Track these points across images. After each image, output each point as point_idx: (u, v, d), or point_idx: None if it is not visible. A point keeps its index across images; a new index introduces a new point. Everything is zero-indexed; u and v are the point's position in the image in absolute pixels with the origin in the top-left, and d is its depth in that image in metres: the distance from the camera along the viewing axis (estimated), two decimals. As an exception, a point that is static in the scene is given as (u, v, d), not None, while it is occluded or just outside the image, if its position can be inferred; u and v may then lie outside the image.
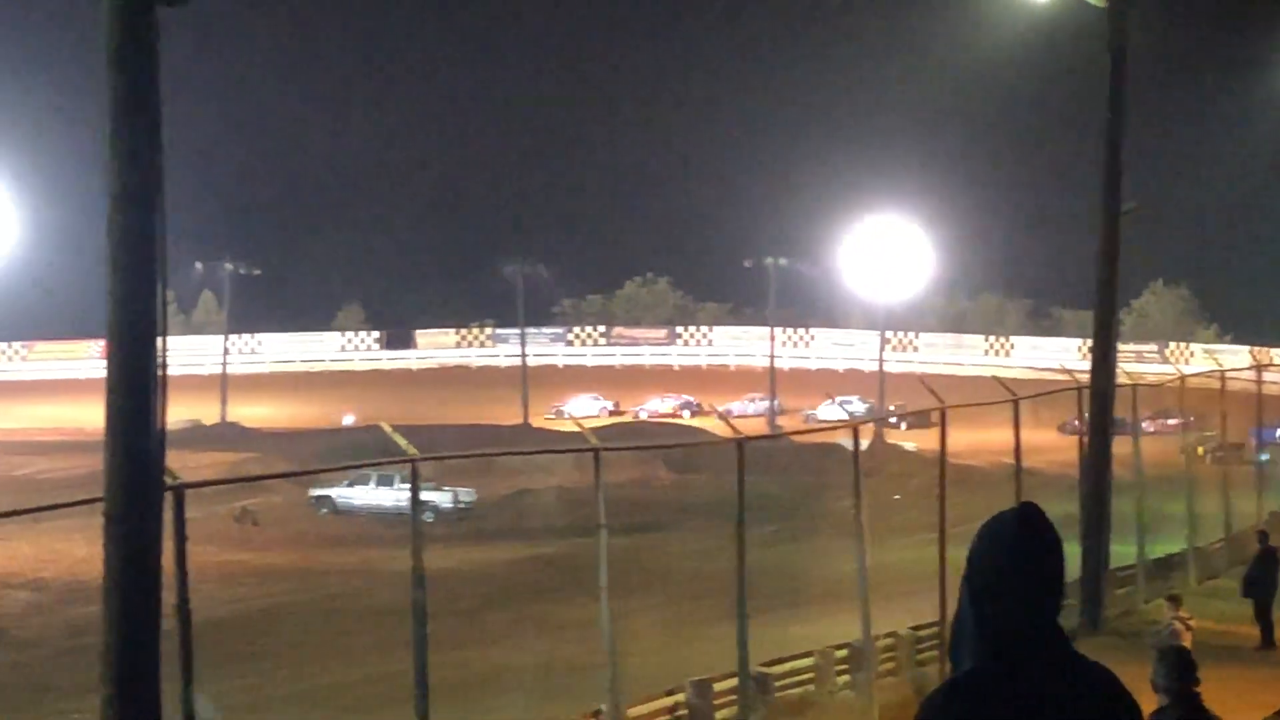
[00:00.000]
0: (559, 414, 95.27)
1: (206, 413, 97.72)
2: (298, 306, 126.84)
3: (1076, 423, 37.17)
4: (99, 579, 7.99)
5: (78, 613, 39.14)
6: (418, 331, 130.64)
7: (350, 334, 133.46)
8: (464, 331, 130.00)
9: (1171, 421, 55.31)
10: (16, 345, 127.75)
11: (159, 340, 7.30)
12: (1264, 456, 50.85)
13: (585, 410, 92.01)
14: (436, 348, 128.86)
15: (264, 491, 63.14)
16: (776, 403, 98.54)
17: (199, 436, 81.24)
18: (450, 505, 59.98)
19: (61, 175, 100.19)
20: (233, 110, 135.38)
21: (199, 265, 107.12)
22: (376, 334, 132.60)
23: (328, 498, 65.08)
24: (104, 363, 8.63)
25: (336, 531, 61.19)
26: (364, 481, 64.41)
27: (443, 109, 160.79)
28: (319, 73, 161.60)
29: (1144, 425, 40.15)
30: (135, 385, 7.40)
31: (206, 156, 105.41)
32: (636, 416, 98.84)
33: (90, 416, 76.69)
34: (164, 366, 7.31)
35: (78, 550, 49.97)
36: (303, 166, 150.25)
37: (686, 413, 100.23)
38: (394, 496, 61.16)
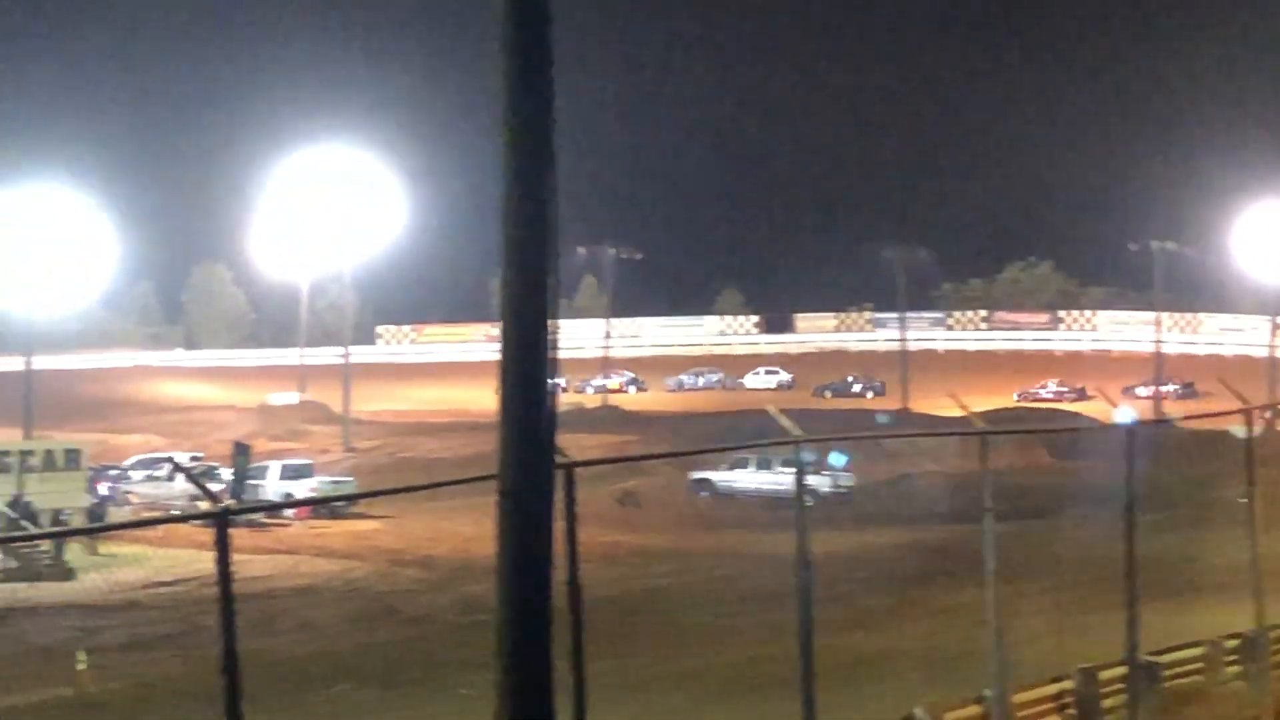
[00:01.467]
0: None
1: (588, 396, 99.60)
2: (677, 291, 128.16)
3: None
4: (485, 558, 8.14)
5: (467, 590, 40.23)
6: (797, 315, 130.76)
7: (729, 318, 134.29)
8: (843, 315, 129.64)
9: None
10: (406, 328, 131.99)
11: (550, 321, 7.37)
12: None
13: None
14: (815, 331, 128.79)
15: (645, 474, 64.01)
16: (1169, 387, 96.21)
17: (581, 419, 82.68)
18: (830, 489, 59.87)
19: (450, 158, 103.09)
20: (615, 94, 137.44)
21: (581, 250, 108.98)
22: (755, 318, 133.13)
23: (708, 481, 65.67)
24: (491, 346, 8.80)
25: (716, 514, 61.72)
26: (744, 465, 64.79)
27: (823, 93, 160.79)
28: (701, 57, 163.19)
29: None
30: (527, 365, 7.48)
31: (589, 141, 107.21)
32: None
33: (475, 398, 79.23)
34: (555, 346, 7.39)
35: (465, 529, 51.43)
36: (684, 151, 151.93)
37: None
38: (773, 480, 61.36)
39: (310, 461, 68.30)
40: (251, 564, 44.53)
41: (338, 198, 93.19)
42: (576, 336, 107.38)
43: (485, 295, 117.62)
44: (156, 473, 64.75)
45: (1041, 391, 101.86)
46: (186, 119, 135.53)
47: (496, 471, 7.61)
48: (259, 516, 57.02)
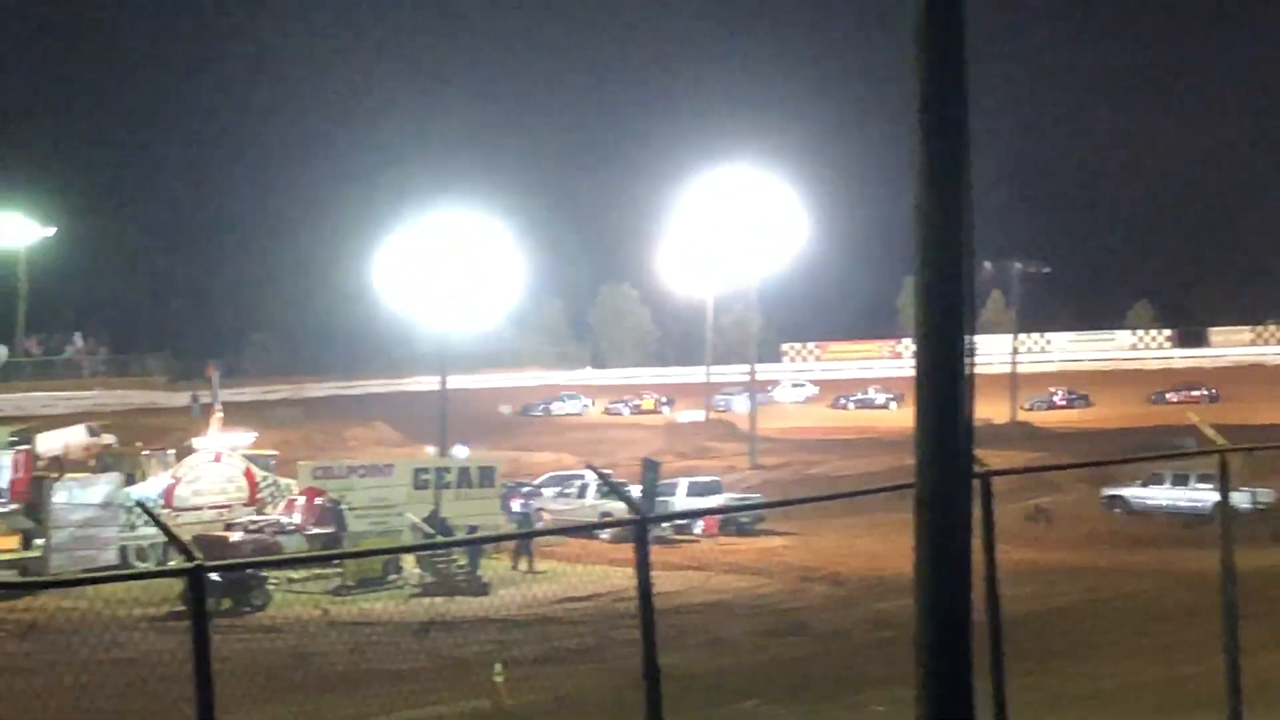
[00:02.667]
0: None
1: (995, 411, 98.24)
2: (1086, 305, 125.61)
3: None
4: (896, 574, 8.04)
5: (877, 607, 39.97)
6: (1211, 329, 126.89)
7: (1140, 332, 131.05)
8: (1259, 329, 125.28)
9: None
10: (810, 345, 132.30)
11: (966, 326, 7.23)
12: None
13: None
14: (1230, 345, 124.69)
15: (1058, 490, 62.79)
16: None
17: (989, 435, 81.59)
18: (1249, 506, 57.75)
19: (852, 176, 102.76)
20: (1018, 105, 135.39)
21: (988, 264, 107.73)
22: (1168, 331, 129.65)
23: (1120, 497, 64.08)
24: (894, 363, 8.67)
25: (1130, 530, 60.15)
26: (1159, 480, 63.01)
27: (1241, 100, 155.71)
28: (1106, 66, 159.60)
29: None
30: (944, 375, 7.34)
31: (994, 152, 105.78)
32: None
33: (880, 416, 78.82)
34: (972, 356, 7.24)
35: (874, 546, 51.18)
36: (1092, 162, 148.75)
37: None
38: (1189, 496, 59.54)
39: (717, 478, 68.90)
40: (662, 579, 44.94)
41: (742, 216, 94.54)
42: (984, 351, 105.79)
43: (889, 312, 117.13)
44: (567, 490, 66.16)
45: None
46: (594, 142, 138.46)
47: (914, 481, 7.52)
48: (668, 532, 57.79)
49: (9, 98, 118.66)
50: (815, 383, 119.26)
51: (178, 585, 45.38)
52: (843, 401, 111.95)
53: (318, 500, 57.85)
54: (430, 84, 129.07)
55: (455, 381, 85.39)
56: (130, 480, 58.77)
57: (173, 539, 8.99)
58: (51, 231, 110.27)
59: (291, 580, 50.87)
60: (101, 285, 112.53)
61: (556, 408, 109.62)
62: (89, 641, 41.12)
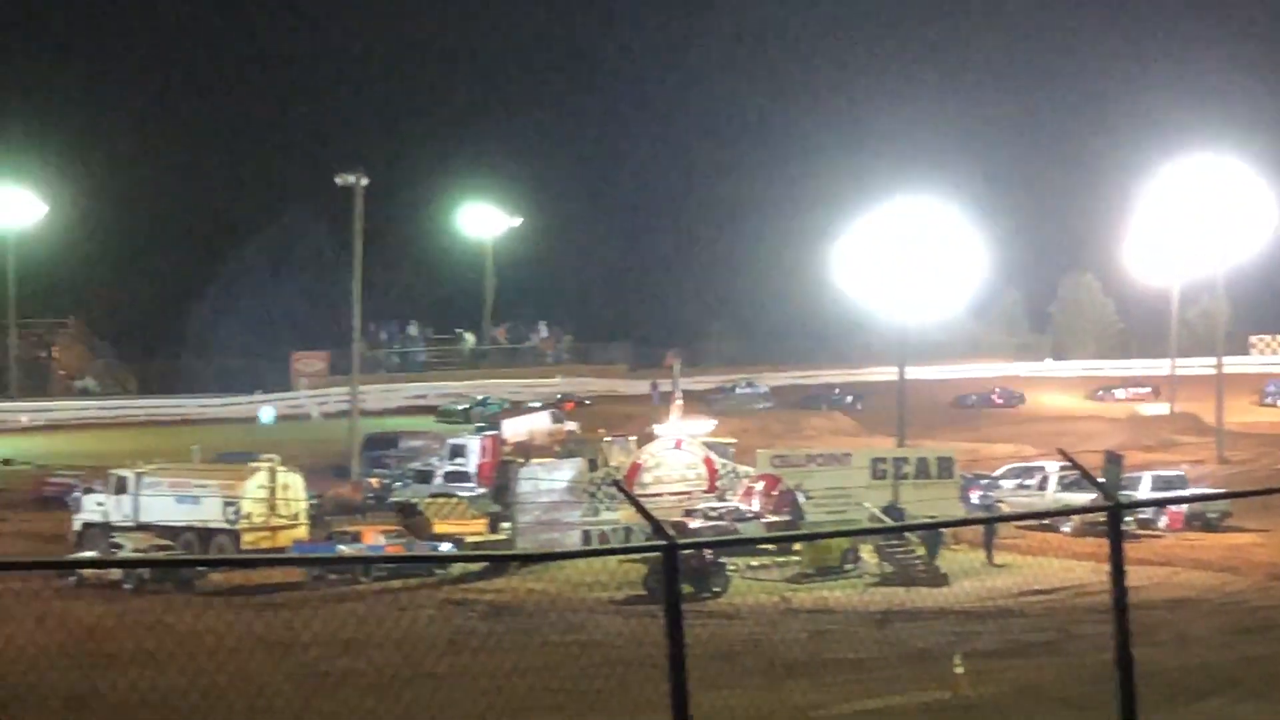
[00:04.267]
0: None
1: None
2: None
3: None
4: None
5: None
6: None
7: None
8: None
9: None
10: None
11: None
12: None
13: None
14: None
15: None
16: None
17: None
18: None
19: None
20: None
21: None
22: None
23: None
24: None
25: None
26: None
27: None
28: None
29: None
30: None
31: None
32: None
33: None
34: None
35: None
36: None
37: None
38: None
39: (1182, 473, 66.82)
40: (1125, 574, 43.94)
41: (1208, 205, 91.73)
42: None
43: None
44: (1027, 481, 65.12)
45: None
46: (1051, 132, 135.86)
47: None
48: (1131, 527, 56.33)
49: (482, 96, 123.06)
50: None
51: (637, 571, 46.37)
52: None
53: (776, 488, 58.30)
54: (888, 71, 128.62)
55: (913, 372, 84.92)
56: (593, 466, 60.25)
57: (647, 517, 9.11)
58: (518, 222, 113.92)
59: (750, 567, 51.40)
60: (566, 275, 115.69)
61: (1007, 399, 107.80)
62: (553, 623, 42.36)
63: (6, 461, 58.45)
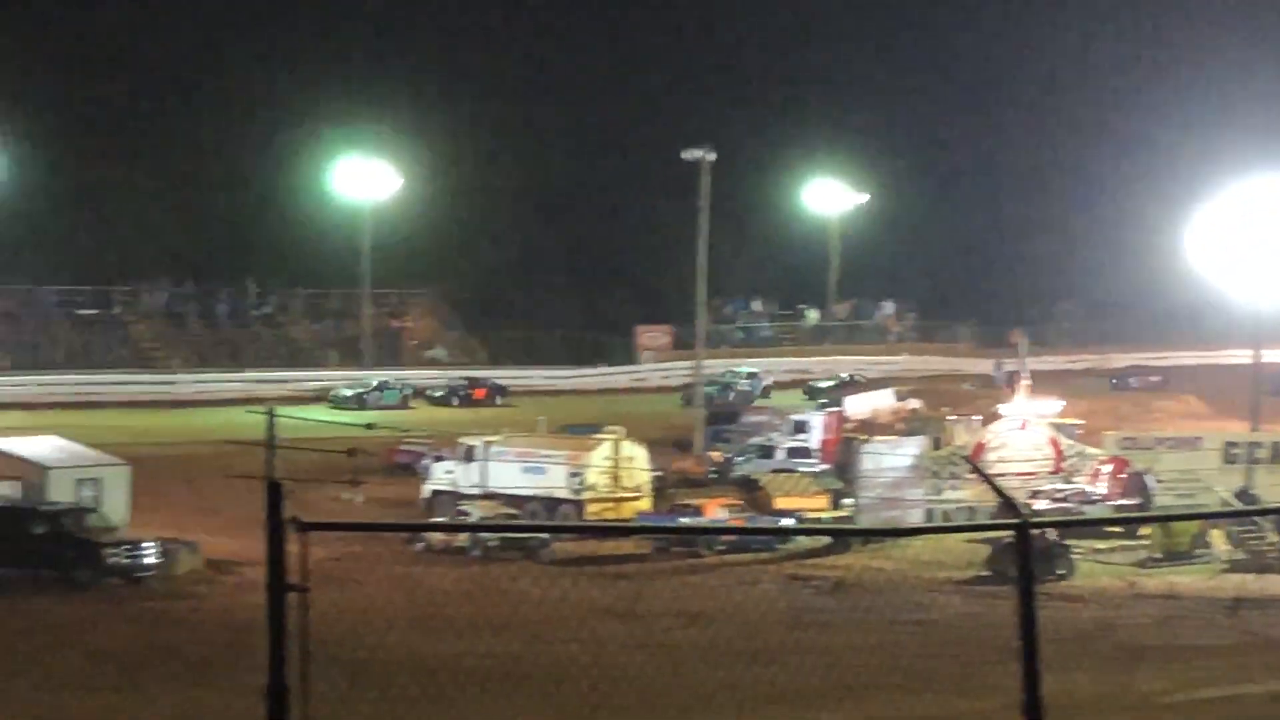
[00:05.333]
0: None
1: None
2: None
3: None
4: None
5: None
6: None
7: None
8: None
9: None
10: None
11: None
12: None
13: None
14: None
15: None
16: None
17: None
18: None
19: None
20: None
21: None
22: None
23: None
24: None
25: None
26: None
27: None
28: None
29: None
30: None
31: None
32: None
33: None
34: None
35: None
36: None
37: None
38: None
39: None
40: None
41: None
42: None
43: None
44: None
45: None
46: None
47: None
48: None
49: (830, 71, 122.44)
50: None
51: (980, 552, 45.88)
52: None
53: (1124, 471, 57.11)
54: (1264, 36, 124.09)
55: (1272, 355, 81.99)
56: (936, 445, 59.78)
57: (1000, 494, 8.98)
58: (865, 199, 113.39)
59: (1096, 550, 50.46)
60: (914, 252, 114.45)
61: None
62: (895, 601, 42.14)
63: (369, 426, 60.37)
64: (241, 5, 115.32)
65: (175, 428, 74.71)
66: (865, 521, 55.02)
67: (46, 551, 44.91)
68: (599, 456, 57.33)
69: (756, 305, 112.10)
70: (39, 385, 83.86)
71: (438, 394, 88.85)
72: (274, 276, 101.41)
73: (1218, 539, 50.59)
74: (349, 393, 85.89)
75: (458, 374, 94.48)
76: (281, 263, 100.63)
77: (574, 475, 56.73)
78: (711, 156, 73.75)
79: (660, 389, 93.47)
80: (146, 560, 45.80)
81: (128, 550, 45.85)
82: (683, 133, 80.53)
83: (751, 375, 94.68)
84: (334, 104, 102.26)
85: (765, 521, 53.93)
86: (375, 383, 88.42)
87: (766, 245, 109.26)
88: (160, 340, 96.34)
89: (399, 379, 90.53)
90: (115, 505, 50.13)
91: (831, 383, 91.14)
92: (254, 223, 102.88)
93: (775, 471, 61.50)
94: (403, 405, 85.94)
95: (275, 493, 7.84)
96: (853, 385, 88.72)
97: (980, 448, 59.39)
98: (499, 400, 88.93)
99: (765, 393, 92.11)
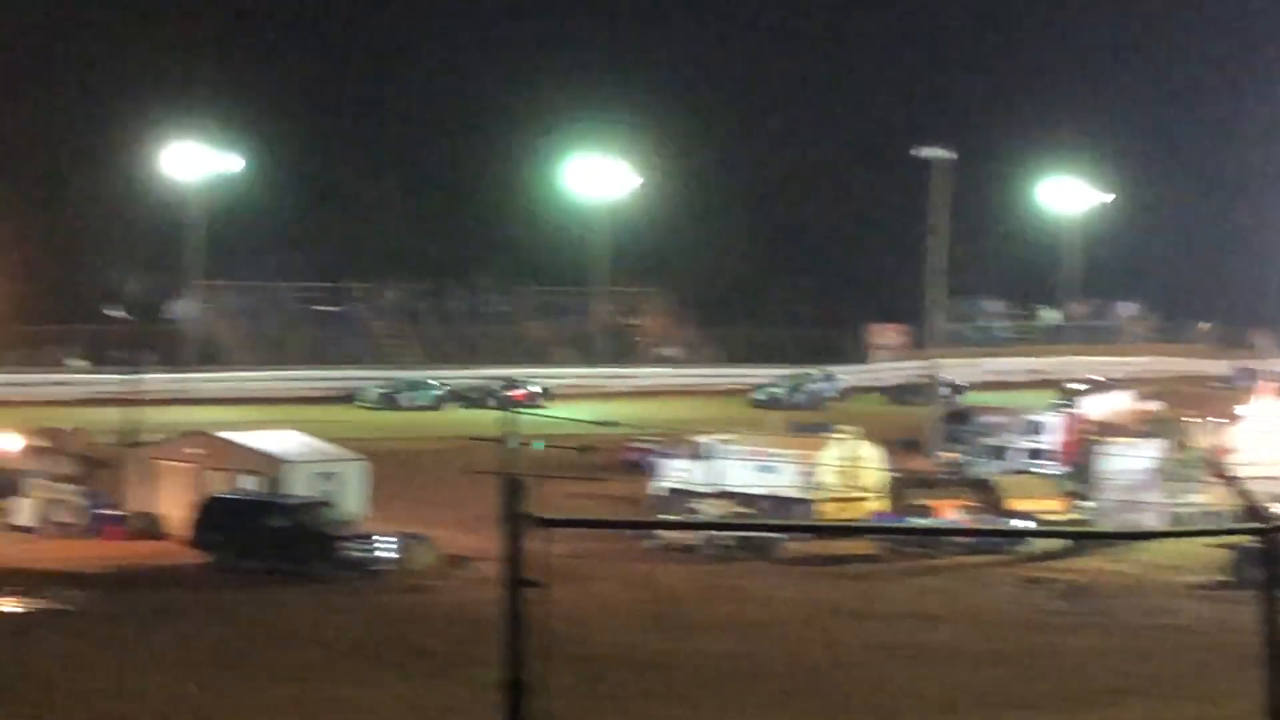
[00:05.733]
0: None
1: None
2: None
3: None
4: None
5: None
6: None
7: None
8: None
9: None
10: None
11: None
12: None
13: None
14: None
15: None
16: None
17: None
18: None
19: None
20: None
21: None
22: None
23: None
24: None
25: None
26: None
27: None
28: None
29: None
30: None
31: None
32: None
33: None
34: None
35: None
36: None
37: None
38: None
39: None
40: None
41: None
42: None
43: None
44: None
45: None
46: None
47: None
48: None
49: (1069, 69, 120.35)
50: None
51: (1222, 557, 44.53)
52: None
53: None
54: None
55: None
56: (1176, 447, 58.30)
57: (1247, 499, 8.56)
58: (1110, 198, 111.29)
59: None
60: (1158, 252, 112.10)
61: None
62: (1134, 605, 41.15)
63: (612, 424, 60.61)
64: (478, 8, 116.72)
65: (411, 423, 75.74)
66: (1104, 524, 53.88)
67: (285, 545, 45.68)
68: (831, 456, 56.84)
69: (992, 304, 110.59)
70: (279, 380, 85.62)
71: (473, 395, 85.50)
72: (508, 274, 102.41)
73: None
74: (378, 392, 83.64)
75: (693, 371, 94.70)
76: (515, 260, 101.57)
77: (806, 474, 56.29)
78: (948, 155, 72.85)
79: (895, 389, 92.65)
80: (383, 554, 46.34)
81: (364, 544, 46.44)
82: (919, 129, 79.64)
83: (829, 377, 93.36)
84: (568, 103, 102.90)
85: (999, 523, 53.01)
86: (408, 382, 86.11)
87: (1003, 243, 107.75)
88: (397, 337, 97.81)
89: (511, 377, 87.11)
90: (352, 499, 50.74)
91: (1083, 385, 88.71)
92: (489, 221, 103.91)
93: (1010, 472, 60.48)
94: (435, 406, 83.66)
95: (513, 489, 7.76)
96: (1105, 386, 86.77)
97: (1222, 451, 57.84)
98: (541, 403, 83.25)
99: (960, 391, 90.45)
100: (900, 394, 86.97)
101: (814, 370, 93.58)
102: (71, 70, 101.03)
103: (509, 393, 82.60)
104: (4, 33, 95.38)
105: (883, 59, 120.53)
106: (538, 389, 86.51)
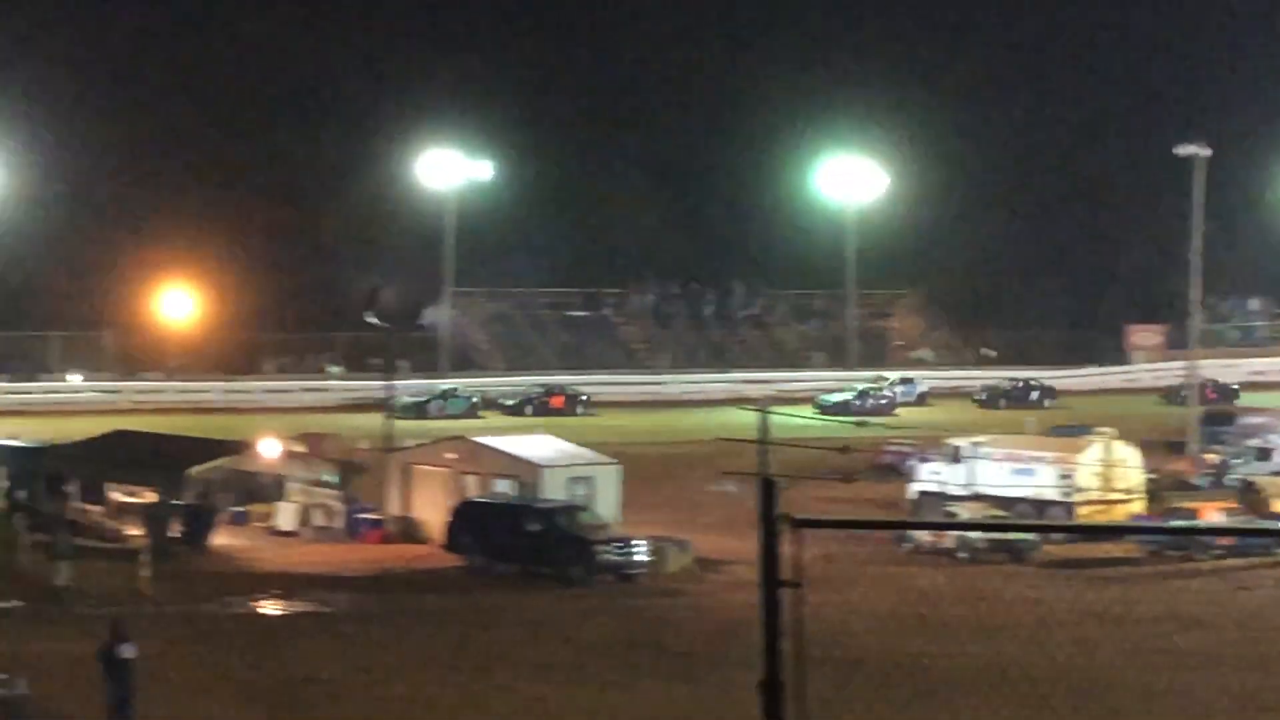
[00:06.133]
0: None
1: None
2: None
3: None
4: None
5: None
6: None
7: None
8: None
9: None
10: None
11: None
12: None
13: None
14: None
15: None
16: None
17: None
18: None
19: None
20: None
21: None
22: None
23: None
24: None
25: None
26: None
27: None
28: None
29: None
30: None
31: None
32: None
33: None
34: None
35: None
36: None
37: None
38: None
39: None
40: None
41: None
42: None
43: None
44: None
45: None
46: None
47: None
48: None
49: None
50: None
51: None
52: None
53: None
54: None
55: None
56: None
57: None
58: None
59: None
60: None
61: None
62: None
63: (859, 424, 60.42)
64: (729, 11, 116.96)
65: (664, 427, 76.14)
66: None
67: (540, 548, 46.18)
68: (1089, 458, 55.89)
69: (1254, 304, 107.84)
70: (531, 386, 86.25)
71: (509, 402, 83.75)
72: (760, 278, 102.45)
73: None
74: (410, 400, 78.24)
75: (945, 374, 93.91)
76: (767, 264, 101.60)
77: (1064, 477, 55.44)
78: (1206, 152, 71.15)
79: (1152, 390, 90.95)
80: (637, 557, 46.61)
81: (619, 548, 46.73)
82: (1177, 127, 77.81)
83: (907, 381, 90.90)
84: (819, 105, 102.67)
85: (1263, 525, 51.70)
86: (440, 390, 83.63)
87: (1266, 242, 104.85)
88: (648, 341, 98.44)
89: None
90: (607, 503, 51.11)
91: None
92: (740, 225, 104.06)
93: (1274, 474, 59.06)
94: (471, 414, 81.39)
95: (769, 490, 7.78)
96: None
97: None
98: (579, 409, 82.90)
99: (922, 400, 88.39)
100: (1174, 396, 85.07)
101: (890, 374, 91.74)
102: (328, 85, 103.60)
103: (548, 399, 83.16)
104: (264, 50, 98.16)
105: (1145, 55, 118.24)
106: (582, 395, 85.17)
